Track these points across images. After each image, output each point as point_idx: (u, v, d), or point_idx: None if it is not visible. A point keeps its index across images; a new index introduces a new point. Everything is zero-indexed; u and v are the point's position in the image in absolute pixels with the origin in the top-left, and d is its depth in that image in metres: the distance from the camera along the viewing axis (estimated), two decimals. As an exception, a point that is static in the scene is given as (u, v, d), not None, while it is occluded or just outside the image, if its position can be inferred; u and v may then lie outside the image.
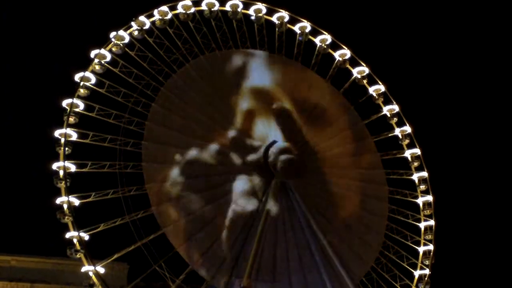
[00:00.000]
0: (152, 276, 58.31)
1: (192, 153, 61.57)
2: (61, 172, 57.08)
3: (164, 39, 64.12)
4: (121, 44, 62.35)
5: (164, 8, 64.22)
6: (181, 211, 59.59)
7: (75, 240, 55.78)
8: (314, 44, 70.71)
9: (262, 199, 62.33)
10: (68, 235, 55.96)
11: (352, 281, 62.20)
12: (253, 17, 67.96)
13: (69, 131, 58.66)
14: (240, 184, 62.74)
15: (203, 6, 65.76)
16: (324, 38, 70.52)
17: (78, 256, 55.58)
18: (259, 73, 67.38)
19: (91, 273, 55.56)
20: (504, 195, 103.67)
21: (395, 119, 71.07)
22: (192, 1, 65.28)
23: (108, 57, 61.91)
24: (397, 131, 71.13)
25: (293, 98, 67.61)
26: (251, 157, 63.84)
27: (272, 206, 61.95)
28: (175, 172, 60.43)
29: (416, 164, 70.35)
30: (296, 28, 70.01)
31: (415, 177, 70.23)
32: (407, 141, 70.79)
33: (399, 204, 69.47)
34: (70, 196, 56.56)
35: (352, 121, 70.56)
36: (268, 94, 67.05)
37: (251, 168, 63.38)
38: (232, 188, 62.15)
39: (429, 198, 69.35)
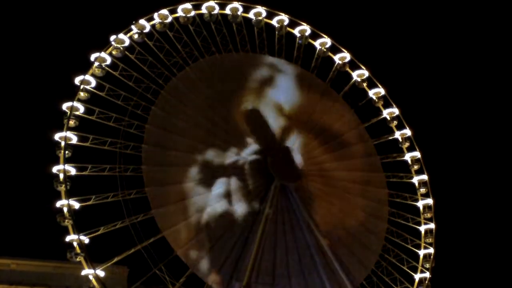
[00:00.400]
0: (152, 280, 58.22)
1: (193, 155, 61.59)
2: (61, 175, 57.07)
3: (164, 42, 64.24)
4: (121, 47, 62.42)
5: (164, 11, 64.34)
6: (181, 214, 59.55)
7: (75, 244, 55.73)
8: (314, 48, 70.85)
9: (262, 201, 62.33)
10: (68, 238, 55.93)
11: (352, 284, 62.12)
12: (253, 21, 68.06)
13: (69, 134, 58.70)
14: (241, 186, 62.77)
15: (203, 10, 65.92)
16: (323, 42, 70.64)
17: (78, 259, 55.53)
18: (260, 77, 67.57)
19: (91, 277, 55.54)
20: (505, 198, 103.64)
21: (395, 122, 71.18)
22: (192, 5, 65.40)
23: (108, 60, 61.98)
24: (397, 134, 71.23)
25: (292, 103, 67.90)
26: (253, 160, 63.87)
27: (271, 209, 61.95)
28: (175, 175, 60.44)
29: (416, 167, 70.38)
30: (296, 31, 70.16)
31: (415, 180, 70.27)
32: (407, 144, 70.89)
33: (399, 207, 69.54)
34: (70, 199, 56.56)
35: (351, 124, 70.69)
36: (269, 98, 67.26)
37: (254, 171, 63.40)
38: (233, 190, 62.18)
39: (429, 201, 69.37)
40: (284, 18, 69.29)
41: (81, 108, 59.95)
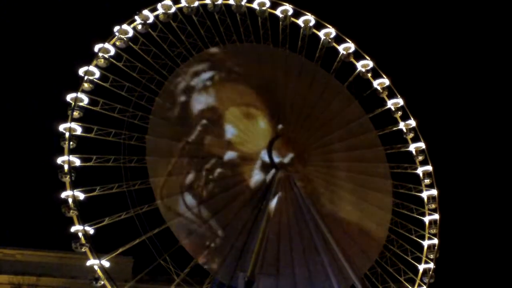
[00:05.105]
0: (156, 270, 58.46)
1: (197, 146, 61.54)
2: (66, 166, 57.21)
3: (168, 33, 64.02)
4: (125, 38, 62.26)
5: (168, 2, 64.08)
6: (186, 205, 59.65)
7: (80, 234, 55.98)
8: (318, 38, 70.49)
9: (267, 192, 62.29)
10: (73, 229, 56.14)
11: (356, 275, 62.16)
12: (257, 11, 67.67)
13: (73, 125, 58.79)
14: (246, 177, 62.75)
15: (207, 0, 65.58)
16: (328, 32, 70.25)
17: (83, 250, 55.78)
18: (263, 68, 67.37)
19: (96, 267, 55.76)
20: (508, 189, 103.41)
21: (400, 113, 70.87)
22: (196, -5, 65.05)
23: (112, 51, 61.87)
24: (402, 125, 70.95)
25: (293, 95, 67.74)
26: (257, 151, 63.78)
27: (275, 200, 61.96)
28: (179, 166, 60.46)
29: (420, 158, 70.22)
30: (300, 21, 69.75)
31: (420, 171, 70.11)
32: (411, 135, 70.60)
33: (403, 198, 69.43)
34: (75, 190, 56.71)
35: (355, 115, 70.48)
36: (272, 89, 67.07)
37: (257, 162, 63.36)
38: (237, 181, 62.17)
39: (434, 192, 69.22)
40: (288, 8, 68.89)
41: (85, 99, 59.98)
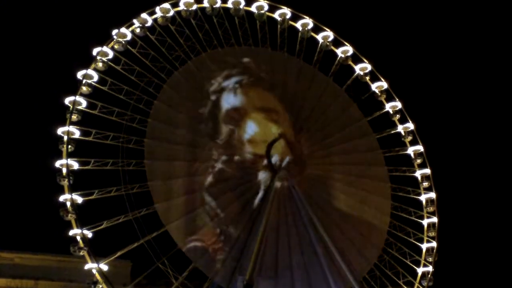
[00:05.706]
0: (155, 274, 58.42)
1: (195, 149, 61.58)
2: (64, 170, 57.19)
3: (166, 36, 64.12)
4: (123, 42, 62.35)
5: (166, 5, 64.21)
6: (184, 208, 59.63)
7: (78, 238, 55.83)
8: (317, 41, 70.62)
9: (265, 195, 62.29)
10: (71, 232, 56.05)
11: (354, 278, 62.14)
12: (255, 14, 67.82)
13: (72, 128, 58.79)
14: (245, 180, 62.76)
15: (205, 3, 65.75)
16: (326, 35, 70.38)
17: (81, 253, 55.64)
18: (261, 71, 67.46)
19: (94, 271, 55.64)
20: (507, 192, 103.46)
21: (398, 116, 70.96)
22: (194, -2, 65.20)
23: (110, 54, 61.94)
24: (400, 128, 71.02)
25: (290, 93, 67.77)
26: (256, 154, 63.77)
27: (273, 202, 61.93)
28: (178, 169, 60.46)
29: (419, 161, 70.23)
30: (298, 25, 69.92)
31: (418, 174, 70.12)
32: (410, 138, 70.68)
33: (402, 201, 69.42)
34: (73, 194, 56.69)
35: (355, 118, 70.54)
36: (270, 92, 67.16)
37: (257, 165, 63.38)
38: (236, 184, 62.17)
39: (432, 195, 69.24)
40: (286, 11, 69.08)
41: (83, 103, 59.98)
